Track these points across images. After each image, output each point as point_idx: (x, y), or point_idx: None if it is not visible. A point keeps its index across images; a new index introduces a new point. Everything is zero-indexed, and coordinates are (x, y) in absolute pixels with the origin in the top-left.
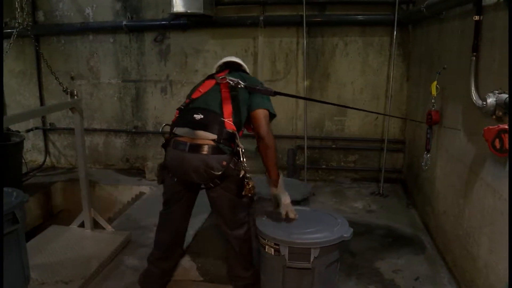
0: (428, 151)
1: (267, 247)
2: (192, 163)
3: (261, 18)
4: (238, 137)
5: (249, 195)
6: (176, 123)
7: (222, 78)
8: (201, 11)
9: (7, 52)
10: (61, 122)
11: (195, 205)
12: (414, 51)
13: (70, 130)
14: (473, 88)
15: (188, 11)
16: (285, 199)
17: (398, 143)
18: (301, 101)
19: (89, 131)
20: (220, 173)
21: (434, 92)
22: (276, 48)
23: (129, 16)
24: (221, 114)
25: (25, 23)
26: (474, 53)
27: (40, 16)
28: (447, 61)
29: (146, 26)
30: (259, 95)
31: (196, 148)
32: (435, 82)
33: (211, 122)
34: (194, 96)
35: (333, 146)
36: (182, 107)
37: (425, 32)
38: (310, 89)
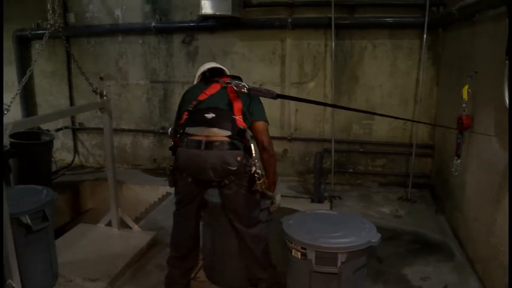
0: (458, 156)
1: (293, 250)
2: (209, 160)
3: (289, 20)
4: (248, 133)
5: (259, 190)
6: (186, 124)
7: (227, 82)
8: (230, 13)
9: (39, 53)
10: (90, 122)
11: None
12: (445, 55)
13: (98, 130)
14: (506, 93)
15: (217, 13)
16: (279, 199)
17: (426, 147)
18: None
19: (117, 131)
20: (235, 168)
21: (465, 96)
22: (304, 50)
23: (158, 18)
24: (232, 112)
25: (57, 24)
26: (508, 57)
27: (71, 17)
28: (479, 64)
29: (174, 27)
30: (259, 105)
31: (212, 145)
32: (466, 86)
33: (224, 119)
34: (201, 98)
35: (361, 150)
36: (190, 109)
37: (456, 35)
38: (338, 92)
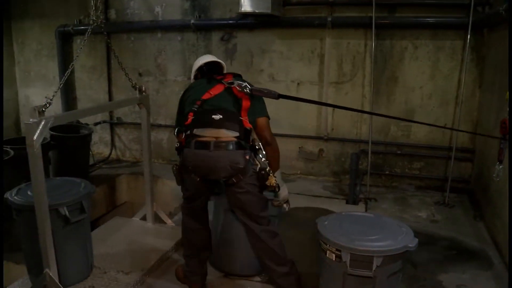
0: (500, 162)
1: (328, 252)
2: (219, 159)
3: (329, 19)
4: (253, 134)
5: (273, 186)
6: (193, 125)
7: (230, 82)
8: (269, 11)
9: (81, 48)
10: (127, 117)
11: None
12: (489, 56)
13: (135, 125)
14: None
15: (256, 11)
16: (284, 191)
17: (466, 151)
18: (367, 105)
19: (154, 126)
20: (243, 166)
21: None
22: (343, 50)
23: (197, 15)
24: (239, 114)
25: (99, 20)
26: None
27: (112, 14)
28: None
29: (213, 25)
30: (260, 102)
31: (221, 145)
32: None
33: (232, 121)
34: (205, 97)
35: (398, 152)
36: (196, 109)
37: (503, 36)
38: (377, 92)
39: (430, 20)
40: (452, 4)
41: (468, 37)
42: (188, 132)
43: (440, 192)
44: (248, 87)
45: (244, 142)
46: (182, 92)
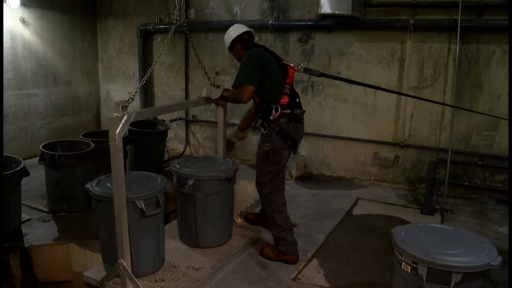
0: None
1: (403, 264)
2: (303, 129)
3: (411, 21)
4: None
5: None
6: (291, 106)
7: (292, 66)
8: (349, 13)
9: (164, 46)
10: (202, 115)
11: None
12: None
13: (210, 123)
14: None
15: (336, 12)
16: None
17: None
18: (447, 111)
19: (228, 125)
20: None
21: None
22: (425, 53)
23: (276, 16)
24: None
25: (182, 20)
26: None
27: (192, 13)
28: None
29: (291, 26)
30: None
31: (303, 119)
32: None
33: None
34: (289, 81)
35: (479, 162)
36: (288, 93)
37: None
38: (459, 99)
39: None
40: None
41: None
42: (289, 111)
43: None
44: (302, 68)
45: None
46: None
